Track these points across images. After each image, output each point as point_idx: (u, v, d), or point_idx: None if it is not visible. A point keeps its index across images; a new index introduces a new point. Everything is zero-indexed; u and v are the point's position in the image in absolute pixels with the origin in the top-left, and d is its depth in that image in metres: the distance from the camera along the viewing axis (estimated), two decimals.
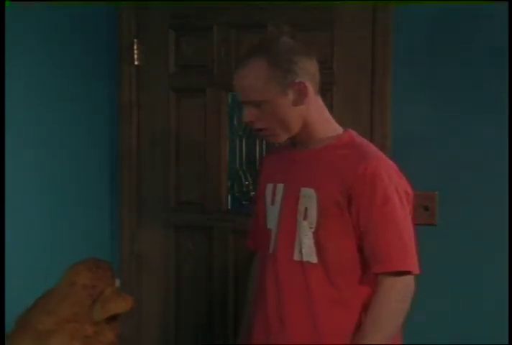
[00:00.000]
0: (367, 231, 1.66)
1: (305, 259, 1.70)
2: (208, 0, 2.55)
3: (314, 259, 1.69)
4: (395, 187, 1.68)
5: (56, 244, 2.44)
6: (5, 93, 2.11)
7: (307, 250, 1.69)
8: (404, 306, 1.66)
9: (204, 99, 2.61)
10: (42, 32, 2.36)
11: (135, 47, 2.64)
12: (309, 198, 1.69)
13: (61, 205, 2.48)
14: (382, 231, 1.65)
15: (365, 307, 1.68)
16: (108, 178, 2.75)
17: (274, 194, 1.79)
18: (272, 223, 1.78)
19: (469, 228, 2.29)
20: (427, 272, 2.33)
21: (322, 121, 1.76)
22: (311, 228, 1.69)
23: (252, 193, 2.55)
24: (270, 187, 1.81)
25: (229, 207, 2.62)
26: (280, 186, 1.77)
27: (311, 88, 1.71)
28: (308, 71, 1.70)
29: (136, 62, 2.65)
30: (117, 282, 1.94)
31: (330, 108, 2.34)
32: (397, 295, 1.64)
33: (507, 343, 2.13)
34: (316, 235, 1.68)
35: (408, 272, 1.65)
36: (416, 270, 1.67)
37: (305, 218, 1.70)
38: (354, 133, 1.79)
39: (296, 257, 1.71)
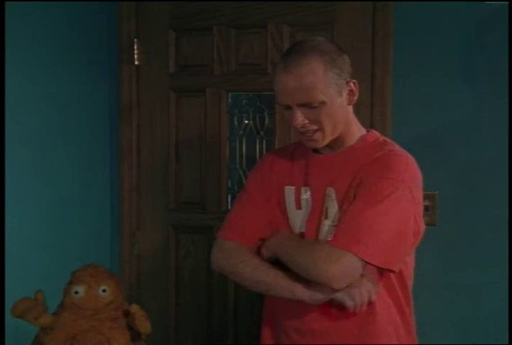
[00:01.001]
0: (352, 204, 1.64)
1: None
2: (208, 0, 2.55)
3: None
4: (404, 179, 1.64)
5: (56, 244, 2.44)
6: (5, 93, 2.11)
7: None
8: (318, 267, 1.59)
9: (204, 99, 2.61)
10: (42, 32, 2.36)
11: (135, 47, 2.64)
12: (329, 197, 1.70)
13: (61, 205, 2.48)
14: (358, 208, 1.61)
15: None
16: (108, 178, 2.75)
17: (298, 198, 1.76)
18: (299, 226, 1.76)
19: (469, 228, 2.29)
20: (427, 272, 2.34)
21: (355, 121, 1.77)
22: (334, 225, 1.68)
23: None
24: (290, 190, 1.77)
25: (229, 207, 2.62)
26: (306, 189, 1.75)
27: None
28: (350, 70, 1.69)
29: (136, 62, 2.65)
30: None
31: None
32: (320, 258, 1.59)
33: (507, 343, 2.14)
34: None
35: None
36: (365, 257, 1.58)
37: (326, 217, 1.70)
38: (377, 133, 1.80)
39: None
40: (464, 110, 2.28)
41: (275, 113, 2.52)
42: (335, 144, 1.73)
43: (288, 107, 1.66)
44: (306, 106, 1.63)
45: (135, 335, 1.96)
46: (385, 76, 2.34)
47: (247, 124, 2.60)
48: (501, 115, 2.22)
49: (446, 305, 2.33)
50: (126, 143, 2.70)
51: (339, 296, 1.62)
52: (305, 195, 1.75)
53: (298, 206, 1.76)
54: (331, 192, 1.70)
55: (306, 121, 1.65)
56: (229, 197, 2.63)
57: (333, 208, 1.69)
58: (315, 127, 1.67)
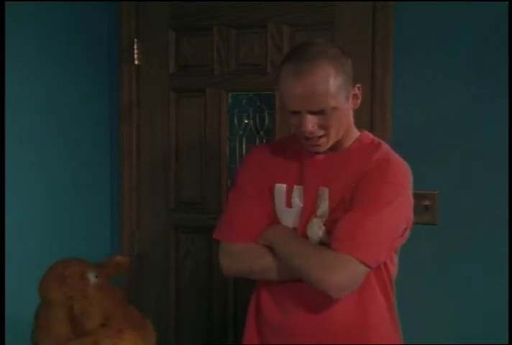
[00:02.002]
0: (351, 208, 1.65)
1: None
2: (208, 0, 2.55)
3: None
4: (403, 184, 1.70)
5: (56, 244, 2.44)
6: (5, 92, 2.11)
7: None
8: (320, 274, 1.61)
9: (204, 99, 2.61)
10: (42, 32, 2.36)
11: (135, 47, 2.64)
12: (322, 196, 1.71)
13: (61, 205, 2.48)
14: (362, 214, 1.63)
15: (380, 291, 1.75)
16: (108, 178, 2.75)
17: (289, 196, 1.76)
18: (288, 224, 1.77)
19: (469, 228, 2.29)
20: (427, 272, 2.34)
21: (353, 124, 1.78)
22: (323, 223, 1.70)
23: None
24: (281, 187, 1.78)
25: None
26: (298, 188, 1.75)
27: None
28: (353, 74, 1.69)
29: (136, 62, 2.65)
30: (91, 276, 1.86)
31: None
32: (324, 263, 1.61)
33: (507, 343, 2.14)
34: (328, 228, 1.69)
35: (363, 263, 1.61)
36: (370, 261, 1.62)
37: (316, 215, 1.71)
38: (369, 133, 1.82)
39: None
40: (464, 110, 2.28)
41: (275, 113, 2.52)
42: (333, 145, 1.74)
43: (296, 112, 1.65)
44: (318, 112, 1.62)
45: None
46: (385, 76, 2.34)
47: (247, 124, 2.60)
48: (501, 115, 2.22)
49: (446, 304, 2.33)
50: (126, 143, 2.71)
51: None
52: (298, 193, 1.75)
53: (289, 204, 1.76)
54: (325, 192, 1.71)
55: (316, 127, 1.65)
56: None
57: (323, 207, 1.71)
58: (322, 133, 1.66)
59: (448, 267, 2.32)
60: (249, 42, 2.53)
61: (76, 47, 2.53)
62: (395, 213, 1.66)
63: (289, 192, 1.76)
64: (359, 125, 2.31)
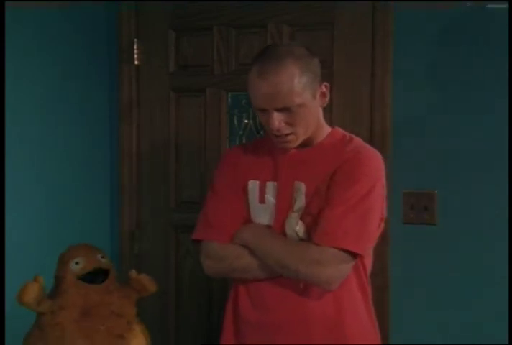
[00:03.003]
0: (329, 203, 1.70)
1: None
2: (208, 0, 2.55)
3: None
4: (377, 175, 1.74)
5: (56, 244, 2.44)
6: (5, 92, 2.11)
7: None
8: (310, 269, 1.67)
9: (204, 99, 2.61)
10: (41, 32, 2.36)
11: (135, 47, 2.64)
12: (299, 191, 1.74)
13: (61, 204, 2.48)
14: (342, 208, 1.68)
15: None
16: (108, 178, 2.75)
17: (263, 192, 1.79)
18: (263, 220, 1.80)
19: (469, 228, 2.29)
20: (427, 272, 2.34)
21: (323, 121, 1.82)
22: (300, 217, 1.73)
23: None
24: (254, 184, 1.81)
25: None
26: (271, 184, 1.79)
27: None
28: (321, 72, 1.74)
29: (136, 62, 2.65)
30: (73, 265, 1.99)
31: (330, 108, 2.35)
32: (312, 259, 1.66)
33: (507, 343, 2.14)
34: (304, 221, 1.73)
35: (351, 252, 1.67)
36: (360, 250, 1.69)
37: (293, 210, 1.74)
38: (341, 130, 1.86)
39: None
40: (464, 109, 2.28)
41: None
42: (305, 141, 1.78)
43: (264, 110, 1.70)
44: (284, 109, 1.67)
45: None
46: (385, 76, 2.34)
47: (247, 124, 2.60)
48: (501, 115, 2.22)
49: (446, 304, 2.33)
50: (126, 143, 2.70)
51: None
52: (271, 189, 1.78)
53: (262, 200, 1.79)
54: (301, 186, 1.75)
55: (283, 124, 1.69)
56: None
57: (300, 201, 1.74)
58: (290, 130, 1.71)
59: (447, 266, 2.32)
60: (249, 42, 2.53)
61: (76, 47, 2.54)
62: (373, 204, 1.71)
63: (262, 189, 1.80)
64: (359, 125, 2.33)
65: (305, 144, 1.78)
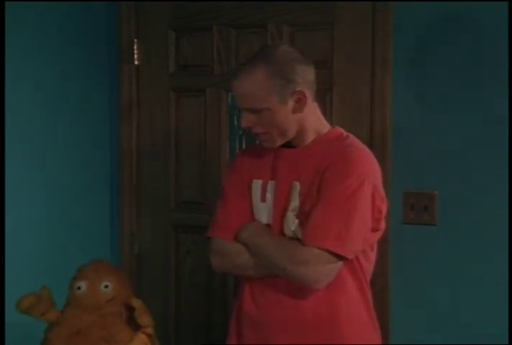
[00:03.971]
0: (317, 203, 1.71)
1: None
2: (208, 0, 2.55)
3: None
4: (368, 174, 1.73)
5: (56, 245, 2.44)
6: (5, 93, 2.11)
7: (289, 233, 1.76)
8: (295, 269, 1.69)
9: (204, 99, 2.61)
10: (41, 32, 2.36)
11: (135, 47, 2.64)
12: (295, 190, 1.76)
13: (61, 205, 2.48)
14: (328, 207, 1.69)
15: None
16: (108, 178, 2.75)
17: (264, 191, 1.81)
18: (263, 218, 1.82)
19: (469, 228, 2.29)
20: (427, 272, 2.34)
21: (317, 125, 1.82)
22: (295, 215, 1.75)
23: None
24: (257, 183, 1.83)
25: None
26: (271, 183, 1.81)
27: (310, 96, 1.75)
28: (307, 79, 1.74)
29: (136, 62, 2.65)
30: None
31: (330, 108, 2.36)
32: (297, 259, 1.68)
33: (507, 343, 2.14)
34: (300, 220, 1.74)
35: (337, 255, 1.68)
36: (342, 251, 1.68)
37: (289, 209, 1.76)
38: (340, 129, 1.86)
39: None
40: (464, 109, 2.28)
41: None
42: (296, 140, 1.80)
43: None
44: (251, 110, 1.73)
45: (137, 328, 1.99)
46: (385, 76, 2.33)
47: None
48: (501, 114, 2.22)
49: (446, 304, 2.33)
50: (126, 143, 2.71)
51: None
52: (270, 188, 1.81)
53: (263, 199, 1.82)
54: (296, 185, 1.76)
55: (250, 124, 1.75)
56: None
57: (295, 200, 1.76)
58: (260, 130, 1.76)
59: (447, 267, 2.31)
60: (249, 42, 2.53)
61: (76, 47, 2.54)
62: (361, 203, 1.70)
63: (264, 188, 1.82)
64: (359, 125, 2.33)
65: (298, 143, 1.80)
